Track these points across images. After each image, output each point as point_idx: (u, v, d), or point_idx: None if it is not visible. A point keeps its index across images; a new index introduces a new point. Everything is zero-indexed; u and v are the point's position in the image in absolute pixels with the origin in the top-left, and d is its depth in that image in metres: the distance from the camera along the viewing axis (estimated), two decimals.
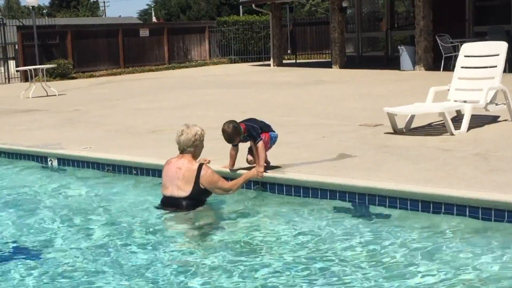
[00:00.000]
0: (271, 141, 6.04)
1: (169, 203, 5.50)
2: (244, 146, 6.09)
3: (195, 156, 5.55)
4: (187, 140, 5.45)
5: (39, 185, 6.97)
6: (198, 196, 5.48)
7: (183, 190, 5.40)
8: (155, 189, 6.15)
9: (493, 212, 4.78)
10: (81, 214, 5.74)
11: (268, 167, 6.04)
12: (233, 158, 6.14)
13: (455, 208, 4.95)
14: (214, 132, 8.27)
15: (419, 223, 4.93)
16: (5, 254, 4.83)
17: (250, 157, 6.07)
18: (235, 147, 6.08)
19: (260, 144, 5.86)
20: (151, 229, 5.22)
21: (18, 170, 7.79)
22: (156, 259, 4.58)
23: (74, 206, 6.06)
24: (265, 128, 6.04)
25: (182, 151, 5.51)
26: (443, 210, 5.00)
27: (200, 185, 5.42)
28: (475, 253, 4.33)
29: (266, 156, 5.99)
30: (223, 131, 5.82)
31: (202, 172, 5.41)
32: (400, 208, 5.19)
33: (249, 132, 5.86)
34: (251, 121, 6.01)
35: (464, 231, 4.72)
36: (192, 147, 5.47)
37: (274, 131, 6.12)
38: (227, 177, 6.25)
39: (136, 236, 5.09)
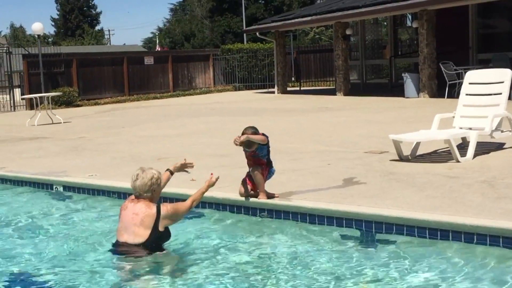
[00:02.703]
0: (269, 175, 6.11)
1: (123, 249, 5.01)
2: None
3: (152, 200, 5.09)
4: (143, 185, 5.02)
5: (44, 213, 6.95)
6: (155, 242, 5.01)
7: (140, 236, 4.94)
8: None
9: (501, 239, 4.75)
10: (82, 241, 5.72)
11: (268, 195, 6.06)
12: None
13: (462, 235, 4.92)
14: (220, 159, 8.27)
15: (426, 251, 4.89)
16: (6, 279, 4.80)
17: (250, 186, 6.09)
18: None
19: (263, 166, 5.93)
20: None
21: (23, 198, 7.78)
22: None
23: (78, 233, 6.04)
24: (269, 161, 6.11)
25: (139, 196, 5.06)
26: (450, 238, 4.97)
27: (159, 228, 4.97)
28: (484, 282, 4.29)
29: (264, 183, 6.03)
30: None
31: (163, 213, 4.97)
32: (407, 236, 5.16)
33: (263, 146, 5.92)
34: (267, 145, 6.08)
35: (473, 258, 4.68)
36: (149, 192, 5.03)
37: (273, 167, 6.17)
38: (241, 206, 6.20)
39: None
